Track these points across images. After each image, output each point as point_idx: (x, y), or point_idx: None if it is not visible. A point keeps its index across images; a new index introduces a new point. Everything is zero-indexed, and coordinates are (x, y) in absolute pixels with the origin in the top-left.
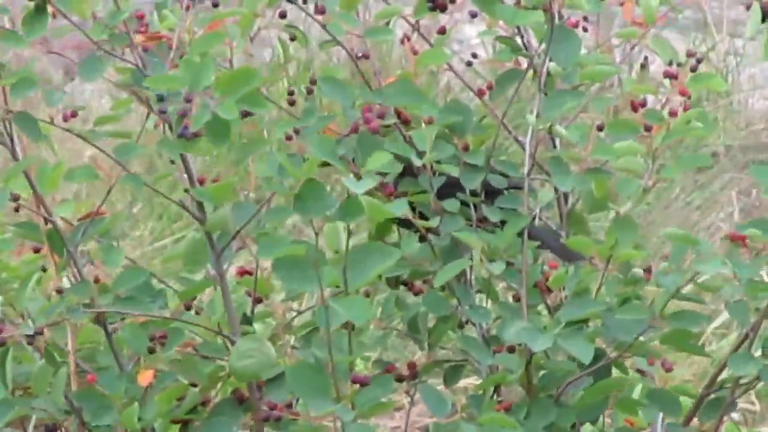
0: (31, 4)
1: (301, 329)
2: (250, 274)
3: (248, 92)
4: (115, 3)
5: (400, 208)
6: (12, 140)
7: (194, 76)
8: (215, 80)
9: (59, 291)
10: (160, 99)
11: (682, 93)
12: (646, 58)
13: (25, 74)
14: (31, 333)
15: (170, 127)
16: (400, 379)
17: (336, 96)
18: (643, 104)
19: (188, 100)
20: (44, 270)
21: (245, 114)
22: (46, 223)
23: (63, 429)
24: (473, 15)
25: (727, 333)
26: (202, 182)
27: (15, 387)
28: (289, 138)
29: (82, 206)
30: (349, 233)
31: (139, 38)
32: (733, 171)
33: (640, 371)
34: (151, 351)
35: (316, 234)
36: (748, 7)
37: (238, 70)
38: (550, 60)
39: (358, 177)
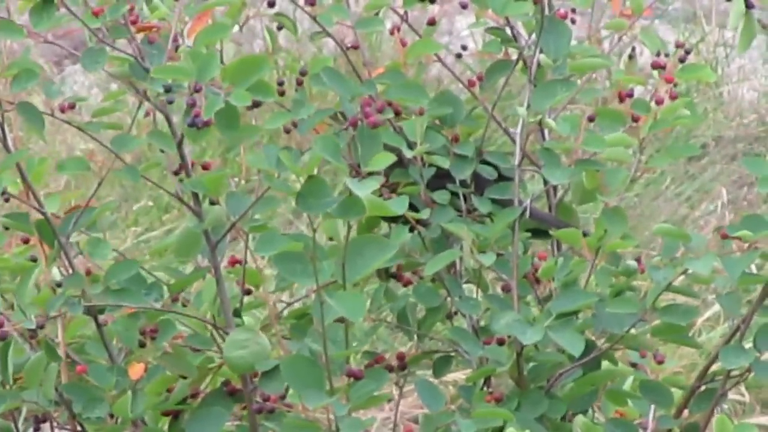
0: None
1: (290, 319)
2: (240, 263)
3: (258, 81)
4: None
5: (401, 206)
6: (4, 132)
7: (201, 66)
8: (223, 69)
9: (59, 284)
10: (168, 90)
11: (668, 80)
12: (633, 48)
13: (27, 65)
14: (33, 327)
15: (167, 118)
16: (389, 369)
17: (336, 88)
18: (630, 94)
19: (197, 90)
20: (34, 261)
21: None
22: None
23: (53, 420)
24: (463, 6)
25: (717, 325)
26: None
27: (5, 378)
28: (287, 131)
29: (71, 196)
30: (349, 227)
31: (132, 29)
32: (723, 162)
33: (633, 364)
34: (142, 345)
35: (314, 229)
36: None
37: (246, 58)
38: (541, 51)
39: (358, 173)
